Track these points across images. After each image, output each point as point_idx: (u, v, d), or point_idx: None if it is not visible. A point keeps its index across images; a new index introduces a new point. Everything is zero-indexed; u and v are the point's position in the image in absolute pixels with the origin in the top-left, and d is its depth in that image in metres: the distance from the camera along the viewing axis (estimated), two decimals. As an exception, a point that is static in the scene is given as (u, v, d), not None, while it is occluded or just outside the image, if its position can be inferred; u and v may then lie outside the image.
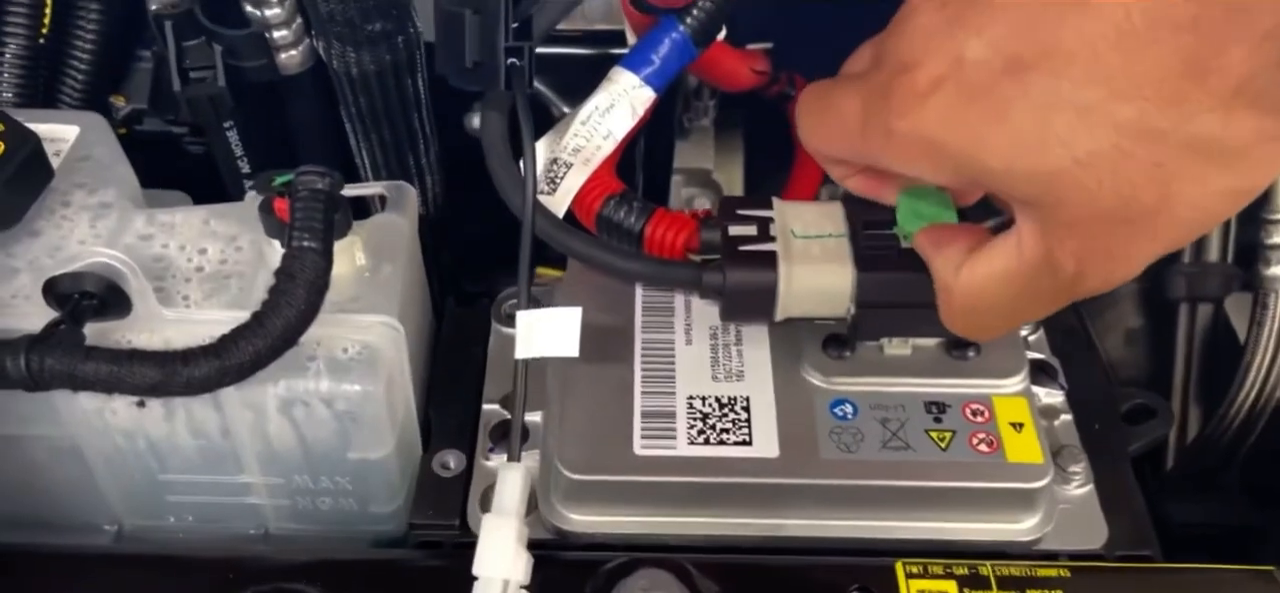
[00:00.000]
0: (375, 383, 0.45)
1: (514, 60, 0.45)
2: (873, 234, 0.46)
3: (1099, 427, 0.51)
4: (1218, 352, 0.69)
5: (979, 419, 0.46)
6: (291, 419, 0.45)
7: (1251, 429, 0.62)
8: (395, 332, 0.46)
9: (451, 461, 0.49)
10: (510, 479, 0.41)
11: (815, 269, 0.46)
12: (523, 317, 0.43)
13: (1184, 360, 0.70)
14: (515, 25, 0.45)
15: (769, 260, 0.47)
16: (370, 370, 0.45)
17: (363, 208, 0.51)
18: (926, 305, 0.46)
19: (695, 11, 0.52)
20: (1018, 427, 0.46)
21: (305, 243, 0.42)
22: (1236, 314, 0.68)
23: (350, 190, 0.50)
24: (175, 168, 0.60)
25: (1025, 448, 0.45)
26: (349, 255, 0.47)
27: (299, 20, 0.53)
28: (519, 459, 0.42)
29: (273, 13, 0.52)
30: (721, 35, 0.58)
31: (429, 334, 0.55)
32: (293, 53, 0.54)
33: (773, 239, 0.47)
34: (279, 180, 0.45)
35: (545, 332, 0.42)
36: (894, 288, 0.46)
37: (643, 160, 0.69)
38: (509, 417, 0.50)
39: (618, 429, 0.46)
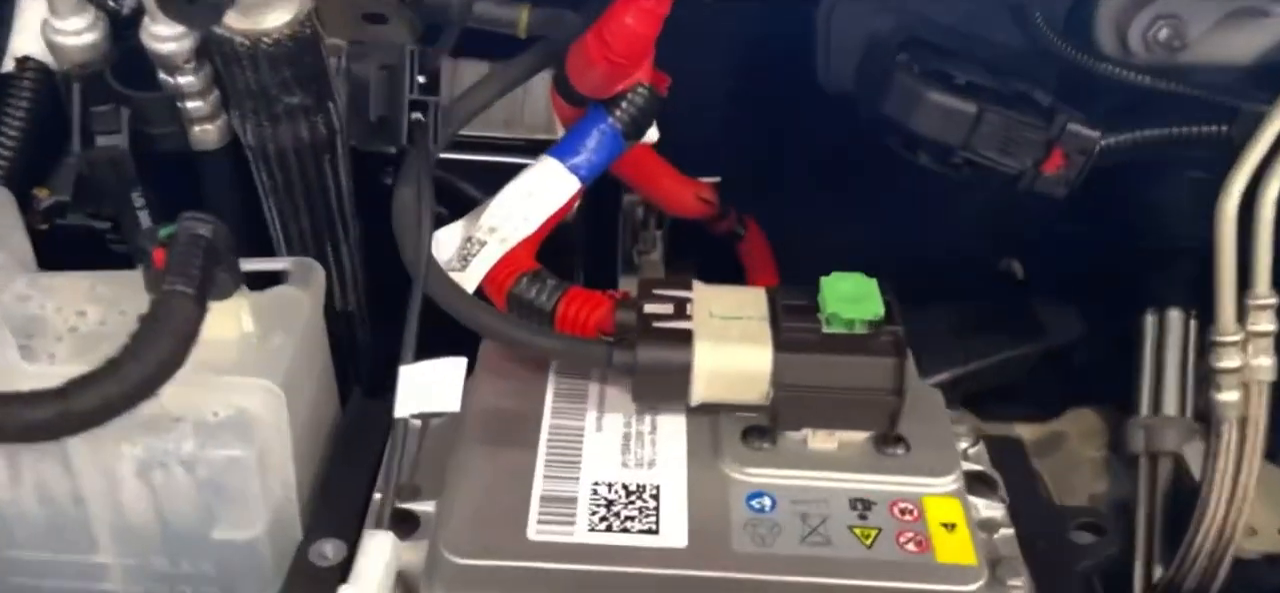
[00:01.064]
0: (245, 450, 0.41)
1: (418, 115, 0.43)
2: (795, 317, 0.44)
3: (1043, 544, 0.47)
4: (1180, 503, 0.65)
5: (907, 518, 0.43)
6: (150, 486, 0.41)
7: (1216, 571, 0.58)
8: (275, 398, 0.43)
9: (329, 549, 0.44)
10: (372, 548, 0.37)
11: (732, 349, 0.43)
12: (403, 371, 0.39)
13: (1146, 514, 0.66)
14: (421, 80, 0.44)
15: (684, 338, 0.44)
16: (241, 436, 0.41)
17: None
18: (852, 394, 0.43)
19: (624, 104, 0.51)
20: (949, 527, 0.42)
21: (177, 287, 0.39)
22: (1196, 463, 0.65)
23: (250, 265, 0.47)
24: (96, 266, 0.58)
25: (957, 549, 0.41)
26: (234, 318, 0.44)
27: (215, 93, 0.52)
28: (387, 528, 0.38)
29: (186, 81, 0.50)
30: (653, 137, 0.57)
31: (328, 423, 0.51)
32: (208, 127, 0.52)
33: (689, 318, 0.44)
34: (165, 232, 0.42)
35: (426, 385, 0.38)
36: (815, 371, 0.43)
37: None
38: (401, 507, 0.45)
39: (511, 513, 0.42)
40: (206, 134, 0.52)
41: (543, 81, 0.64)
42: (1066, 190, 0.58)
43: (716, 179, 0.71)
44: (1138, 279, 0.66)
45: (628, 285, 0.69)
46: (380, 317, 0.62)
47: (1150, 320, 0.64)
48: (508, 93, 0.53)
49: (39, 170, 0.62)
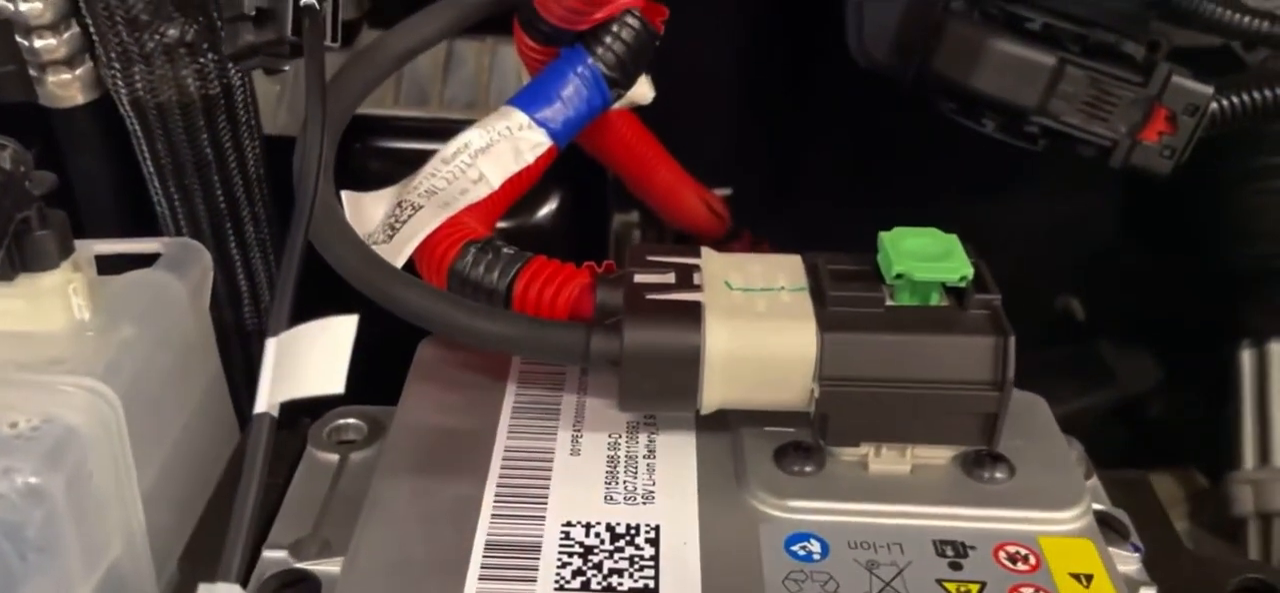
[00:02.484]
0: (52, 475, 0.28)
1: (311, 1, 0.31)
2: (848, 284, 0.31)
3: (1198, 609, 0.34)
4: None
5: (1022, 568, 0.29)
6: (-87, 534, 0.28)
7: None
8: (106, 408, 0.30)
9: (191, 627, 0.31)
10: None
11: (760, 327, 0.31)
12: (271, 344, 0.27)
13: (1263, 587, 0.55)
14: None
15: (690, 314, 0.31)
16: (47, 456, 0.28)
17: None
18: (933, 391, 0.30)
19: (608, 39, 0.39)
20: (1084, 580, 0.29)
21: (-52, 233, 0.27)
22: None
23: (108, 246, 0.35)
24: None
25: (1100, 610, 0.28)
26: (61, 300, 0.32)
27: (73, 29, 0.40)
28: (236, 580, 0.25)
29: (29, 7, 0.38)
30: (647, 96, 0.45)
31: (215, 461, 0.38)
32: (65, 76, 0.40)
33: (698, 289, 0.32)
34: (-45, 174, 0.30)
35: (300, 360, 0.25)
36: (878, 358, 0.30)
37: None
38: (298, 568, 0.32)
39: (442, 568, 0.29)
40: (64, 86, 0.40)
41: (514, 54, 0.54)
42: (1172, 165, 0.46)
43: (728, 191, 0.60)
44: (1225, 311, 0.57)
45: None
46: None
47: (1248, 356, 0.55)
48: (461, 28, 0.41)
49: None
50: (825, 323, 0.31)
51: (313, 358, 0.25)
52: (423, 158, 0.47)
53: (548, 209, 0.53)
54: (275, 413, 0.26)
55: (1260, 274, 0.55)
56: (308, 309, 0.30)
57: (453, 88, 0.53)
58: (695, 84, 0.50)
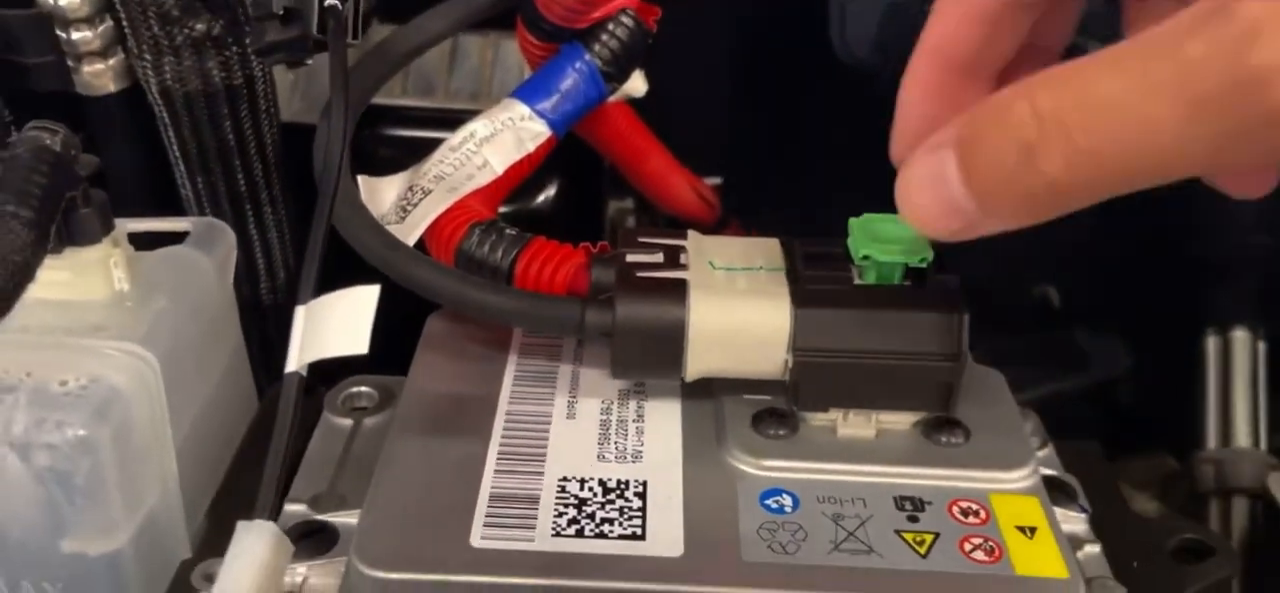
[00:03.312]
0: (99, 428, 0.31)
1: (335, 1, 0.34)
2: (820, 265, 0.34)
3: (1139, 564, 0.37)
4: (1261, 546, 0.56)
5: (972, 520, 0.32)
6: (-27, 481, 0.31)
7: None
8: (146, 370, 0.33)
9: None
10: (245, 546, 0.27)
11: (739, 305, 0.34)
12: (299, 310, 0.30)
13: (1222, 562, 0.57)
14: (342, -38, 0.35)
15: (676, 290, 0.34)
16: (96, 411, 0.31)
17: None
18: (896, 361, 0.33)
19: (604, 36, 0.42)
20: (1029, 531, 0.32)
21: (7, 208, 0.30)
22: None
23: (142, 225, 0.38)
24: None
25: (1042, 558, 0.31)
26: (101, 272, 0.35)
27: (107, 23, 0.43)
28: (270, 518, 0.28)
29: (68, 1, 0.41)
30: (640, 90, 0.48)
31: (236, 425, 0.41)
32: (99, 66, 0.43)
33: (684, 268, 0.35)
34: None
35: (326, 325, 0.29)
36: (845, 331, 0.33)
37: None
38: (317, 519, 0.35)
39: (450, 516, 0.32)
40: (98, 75, 0.43)
41: (516, 49, 0.57)
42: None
43: (718, 181, 0.62)
44: (1192, 298, 0.59)
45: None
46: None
47: (1213, 342, 0.58)
48: (467, 25, 0.44)
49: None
50: (798, 299, 0.34)
51: (339, 322, 0.28)
52: (429, 145, 0.50)
53: (547, 195, 0.55)
54: (304, 372, 0.29)
55: (1226, 264, 0.58)
56: (326, 283, 0.33)
57: (458, 79, 0.56)
58: (689, 75, 0.52)
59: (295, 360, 0.29)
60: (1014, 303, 0.70)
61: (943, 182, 0.26)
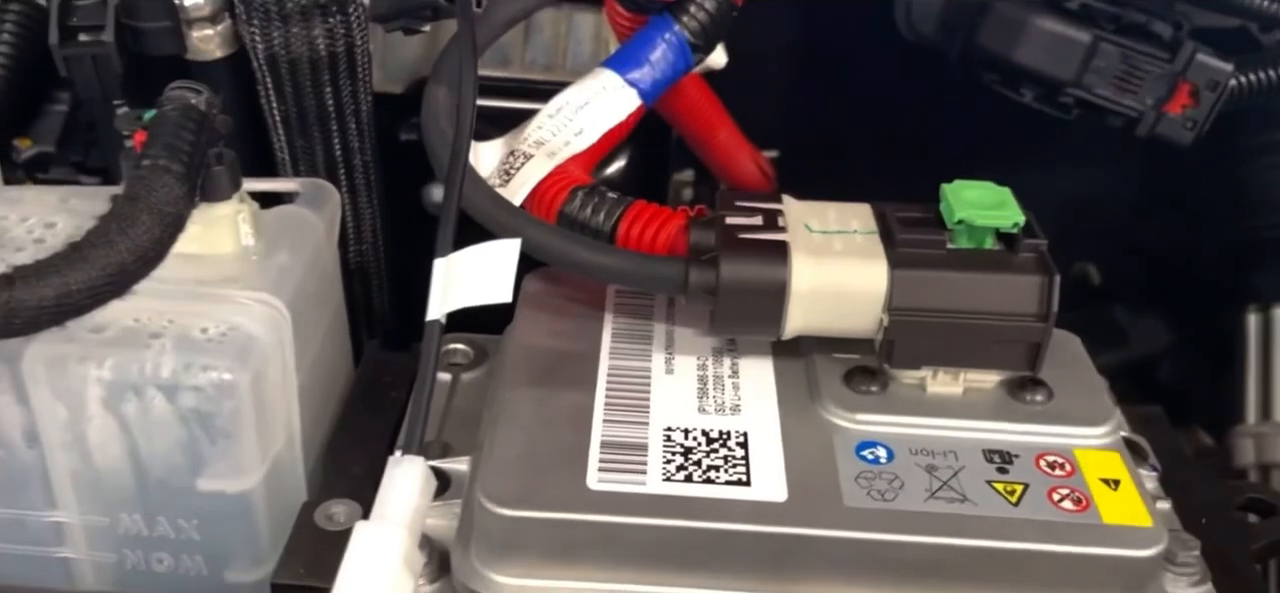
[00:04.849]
0: (241, 372, 0.33)
1: (458, -28, 0.36)
2: (915, 229, 0.36)
3: (1207, 520, 0.38)
4: None
5: (1059, 473, 0.34)
6: (121, 420, 0.33)
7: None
8: (278, 317, 0.35)
9: (341, 512, 0.36)
10: (398, 478, 0.29)
11: (837, 265, 0.36)
12: (439, 263, 0.31)
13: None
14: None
15: (778, 251, 0.36)
16: (237, 357, 0.33)
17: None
18: (988, 321, 0.35)
19: (693, 8, 0.43)
20: (1113, 484, 0.34)
21: (160, 162, 0.32)
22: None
23: (256, 185, 0.40)
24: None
25: (1127, 509, 0.33)
26: (231, 227, 0.36)
27: (217, -10, 0.44)
28: (419, 454, 0.30)
29: (184, -31, 0.43)
30: (721, 62, 0.50)
31: (339, 376, 0.43)
32: (208, 32, 0.45)
33: (783, 231, 0.37)
34: (149, 115, 0.35)
35: (468, 275, 0.30)
36: (940, 292, 0.35)
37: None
38: (430, 464, 0.37)
39: (567, 460, 0.34)
40: (207, 41, 0.45)
41: (589, 22, 0.58)
42: (1193, 135, 0.51)
43: (775, 153, 0.63)
44: (1233, 276, 0.60)
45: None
46: (398, 284, 0.55)
47: (1254, 319, 0.58)
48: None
49: (21, 118, 0.55)
50: (895, 261, 0.35)
51: (482, 273, 0.30)
52: (506, 113, 0.52)
53: (619, 164, 0.57)
54: (443, 320, 0.31)
55: (1268, 243, 0.58)
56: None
57: (532, 51, 0.57)
58: (751, 48, 0.53)
59: (437, 309, 0.30)
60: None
61: None
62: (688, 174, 0.65)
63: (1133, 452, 0.39)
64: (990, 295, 0.35)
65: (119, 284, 0.30)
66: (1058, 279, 0.35)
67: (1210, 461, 0.61)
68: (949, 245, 0.36)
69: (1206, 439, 0.63)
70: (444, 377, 0.42)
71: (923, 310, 0.35)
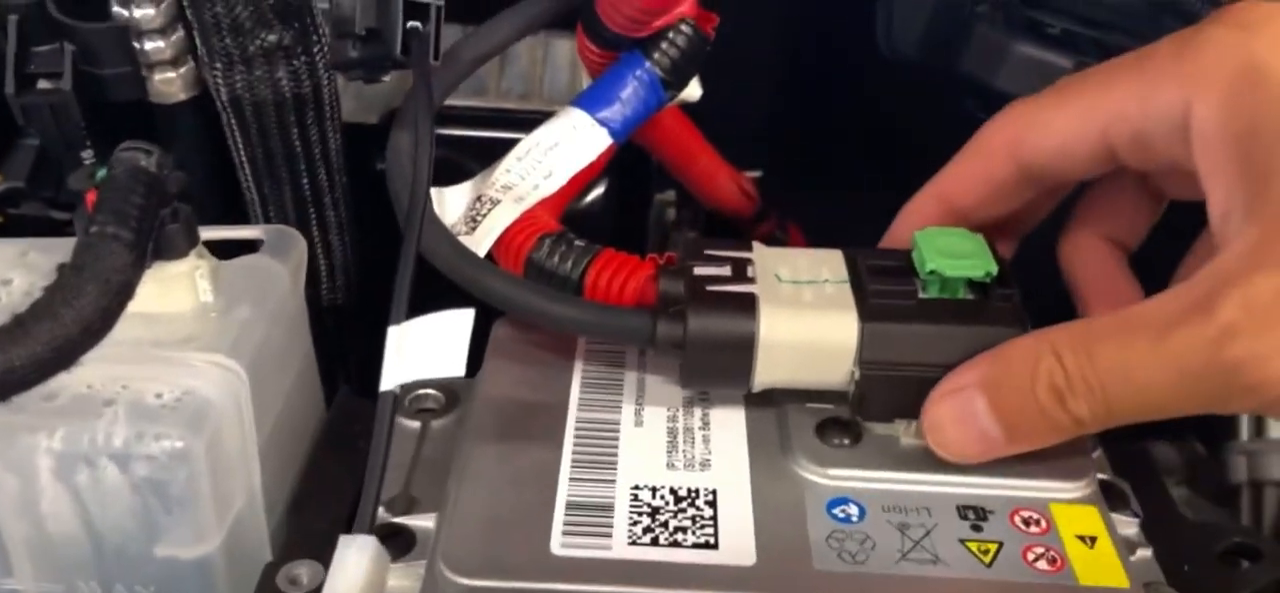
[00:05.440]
0: (194, 440, 0.32)
1: (416, 23, 0.35)
2: (885, 279, 0.35)
3: (1190, 570, 0.38)
4: None
5: (1034, 530, 0.33)
6: (73, 490, 0.33)
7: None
8: (234, 380, 0.34)
9: (304, 574, 0.35)
10: (349, 560, 0.28)
11: (807, 318, 0.35)
12: (392, 332, 0.31)
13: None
14: (420, -17, 0.35)
15: (745, 304, 0.35)
16: (190, 423, 0.32)
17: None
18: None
19: (665, 45, 0.43)
20: (1089, 541, 0.33)
21: (107, 229, 0.31)
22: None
23: (215, 232, 0.39)
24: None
25: (1102, 568, 0.32)
26: (188, 285, 0.36)
27: (179, 33, 0.43)
28: (369, 531, 0.29)
29: (143, 13, 0.42)
30: (696, 95, 0.49)
31: (307, 428, 0.42)
32: (170, 75, 0.44)
33: (752, 281, 0.36)
34: (102, 173, 0.34)
35: (421, 346, 0.30)
36: (912, 346, 0.34)
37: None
38: (395, 522, 0.37)
39: (530, 524, 0.33)
40: (169, 84, 0.44)
41: (566, 48, 0.57)
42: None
43: (758, 173, 0.63)
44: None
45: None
46: (375, 321, 0.54)
47: None
48: (530, 32, 0.44)
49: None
50: (866, 314, 0.35)
51: (434, 345, 0.29)
52: (481, 144, 0.51)
53: (596, 194, 0.56)
54: (398, 391, 0.30)
55: None
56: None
57: (508, 80, 0.57)
58: (733, 71, 0.53)
59: (390, 380, 0.30)
60: (1046, 294, 0.70)
61: (972, 417, 0.33)
62: (670, 194, 0.65)
63: (1113, 497, 0.38)
64: (963, 347, 0.34)
65: (64, 358, 0.30)
66: (1031, 330, 0.34)
67: (1203, 473, 0.61)
68: (920, 295, 0.35)
69: (1200, 450, 0.62)
70: (413, 425, 0.41)
71: (894, 364, 0.34)
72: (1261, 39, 0.32)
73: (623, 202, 0.59)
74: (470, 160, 0.50)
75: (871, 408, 0.35)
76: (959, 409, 0.33)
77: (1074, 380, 0.31)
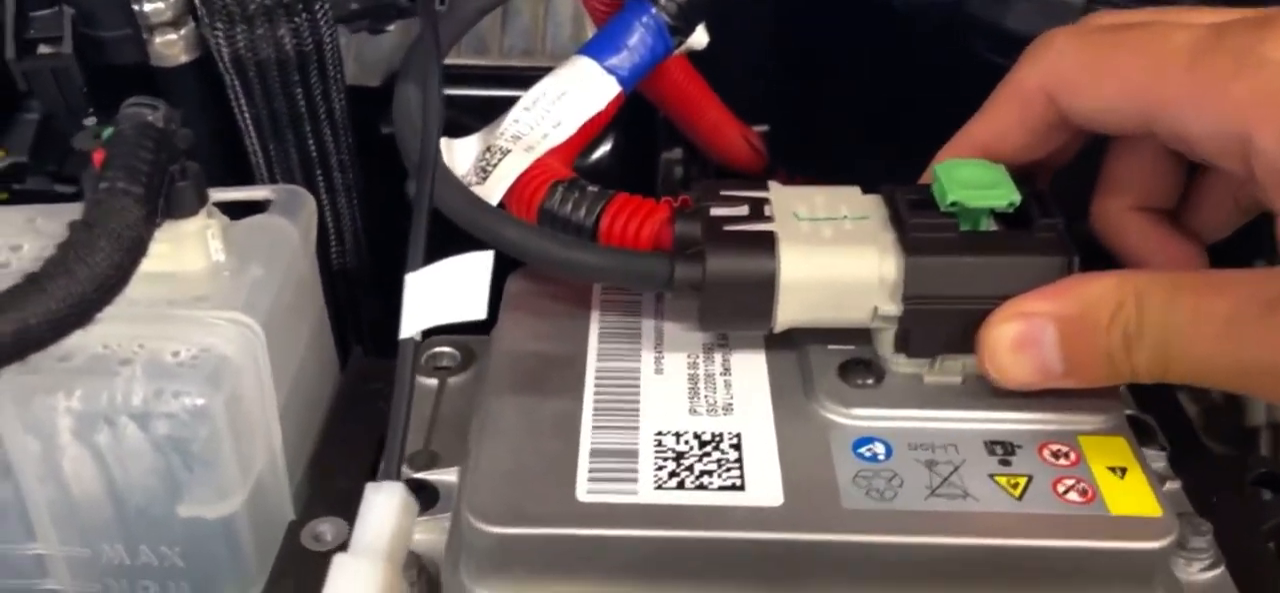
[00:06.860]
0: (214, 396, 0.32)
1: (422, -30, 0.34)
2: (923, 214, 0.34)
3: (1218, 500, 0.37)
4: None
5: (1063, 462, 0.33)
6: (94, 450, 0.32)
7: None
8: (252, 336, 0.34)
9: (328, 530, 0.35)
10: (377, 505, 0.28)
11: (829, 253, 0.34)
12: (410, 279, 0.30)
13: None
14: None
15: (765, 242, 0.34)
16: (209, 380, 0.32)
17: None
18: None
19: (670, -9, 0.42)
20: (1119, 472, 0.33)
21: (118, 185, 0.30)
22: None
23: (225, 194, 0.39)
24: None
25: (1135, 498, 0.32)
26: (200, 243, 0.35)
27: (179, -7, 0.43)
28: (397, 478, 0.29)
29: (142, -26, 0.42)
30: (702, 42, 0.48)
31: (323, 387, 0.42)
32: (171, 38, 0.44)
33: (770, 221, 0.35)
34: (108, 131, 0.34)
35: (441, 291, 0.29)
36: (957, 278, 0.34)
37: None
38: (417, 477, 0.36)
39: (555, 472, 0.33)
40: (170, 46, 0.43)
41: (568, 3, 0.57)
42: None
43: (765, 128, 0.62)
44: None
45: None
46: (385, 286, 0.54)
47: None
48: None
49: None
50: (909, 247, 0.34)
51: (454, 289, 0.29)
52: (484, 102, 0.51)
53: (604, 150, 0.56)
54: (419, 337, 0.29)
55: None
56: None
57: (511, 37, 0.56)
58: (736, 21, 0.52)
59: (410, 327, 0.29)
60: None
61: (1038, 346, 0.32)
62: (676, 152, 0.64)
63: (1139, 431, 0.38)
64: (1010, 279, 0.33)
65: (80, 315, 0.29)
66: (1078, 260, 0.33)
67: (1220, 418, 0.60)
68: (959, 228, 0.34)
69: (1217, 397, 0.62)
70: (431, 382, 0.41)
71: (940, 297, 0.34)
72: None
73: (630, 158, 0.58)
74: (474, 121, 0.49)
75: (917, 344, 0.34)
76: (1024, 335, 0.32)
77: (1146, 330, 0.31)
